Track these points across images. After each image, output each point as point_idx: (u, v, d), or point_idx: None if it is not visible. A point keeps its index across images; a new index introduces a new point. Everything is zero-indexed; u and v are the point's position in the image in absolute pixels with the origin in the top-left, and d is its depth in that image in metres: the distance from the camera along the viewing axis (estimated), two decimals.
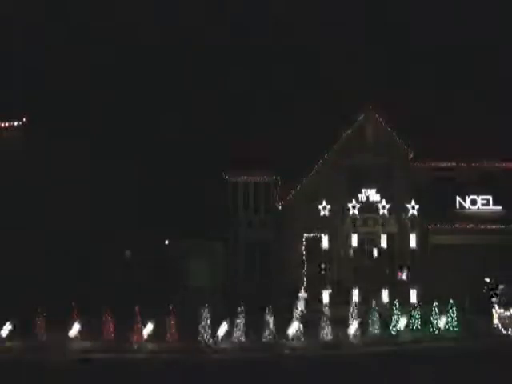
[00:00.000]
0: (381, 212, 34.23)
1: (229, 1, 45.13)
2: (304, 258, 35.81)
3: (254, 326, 24.32)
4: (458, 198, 36.09)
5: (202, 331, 23.36)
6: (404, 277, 34.37)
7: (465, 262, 33.74)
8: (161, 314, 24.04)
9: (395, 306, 26.52)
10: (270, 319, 24.27)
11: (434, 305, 26.50)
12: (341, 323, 25.90)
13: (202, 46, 43.65)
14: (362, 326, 25.67)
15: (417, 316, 26.71)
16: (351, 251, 34.45)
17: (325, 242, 34.00)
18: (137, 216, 31.01)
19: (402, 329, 25.85)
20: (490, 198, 36.01)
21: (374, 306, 26.34)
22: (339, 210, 34.54)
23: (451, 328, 26.06)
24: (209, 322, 23.39)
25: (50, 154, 33.75)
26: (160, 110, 31.98)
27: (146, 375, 19.30)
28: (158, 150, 34.96)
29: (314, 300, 33.05)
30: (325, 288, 33.39)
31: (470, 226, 35.25)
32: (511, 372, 19.18)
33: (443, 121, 38.35)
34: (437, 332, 25.77)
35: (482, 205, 36.00)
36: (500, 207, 35.95)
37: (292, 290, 33.65)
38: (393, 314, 26.16)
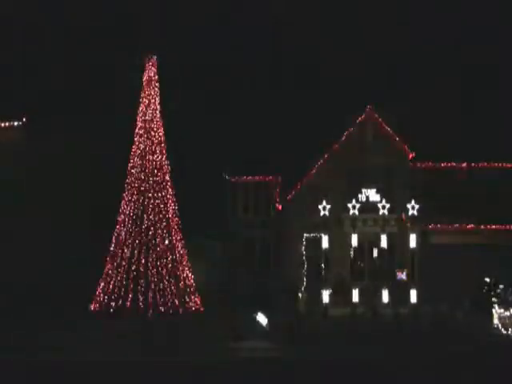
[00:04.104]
0: (381, 212, 34.21)
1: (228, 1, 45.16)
2: (304, 258, 35.80)
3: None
4: (458, 199, 36.05)
5: None
6: (404, 277, 34.36)
7: (465, 262, 33.71)
8: None
9: None
10: None
11: None
12: None
13: (202, 46, 43.68)
14: None
15: None
16: (351, 251, 34.44)
17: (325, 242, 33.98)
18: (137, 215, 30.99)
19: None
20: (490, 198, 35.97)
21: None
22: (339, 210, 34.52)
23: None
24: None
25: (50, 153, 33.77)
26: (159, 109, 31.97)
27: None
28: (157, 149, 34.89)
29: (313, 300, 33.09)
30: (325, 288, 33.38)
31: (470, 226, 35.25)
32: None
33: (443, 121, 38.35)
34: None
35: (482, 205, 35.95)
36: (500, 207, 35.92)
37: (292, 290, 33.70)
38: None
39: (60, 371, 18.92)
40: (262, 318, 24.28)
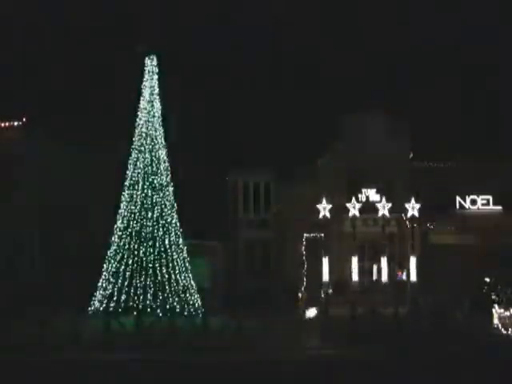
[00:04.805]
0: (381, 212, 34.18)
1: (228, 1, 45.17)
2: (304, 258, 35.79)
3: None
4: (458, 198, 36.07)
5: None
6: (404, 277, 34.35)
7: (465, 262, 33.71)
8: None
9: None
10: None
11: None
12: None
13: (202, 45, 43.71)
14: None
15: None
16: (351, 251, 34.39)
17: (325, 242, 33.96)
18: (137, 215, 30.98)
19: None
20: (490, 198, 36.00)
21: None
22: (339, 210, 34.48)
23: None
24: None
25: (50, 153, 33.76)
26: (160, 109, 31.95)
27: None
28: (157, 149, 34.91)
29: (313, 300, 33.10)
30: (325, 288, 33.35)
31: (470, 226, 35.22)
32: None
33: (443, 120, 38.39)
34: None
35: (482, 205, 35.98)
36: (500, 207, 35.94)
37: (292, 290, 33.69)
38: None
39: (60, 371, 18.92)
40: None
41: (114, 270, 30.40)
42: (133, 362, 20.07)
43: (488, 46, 43.50)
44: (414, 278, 33.55)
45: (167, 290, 30.08)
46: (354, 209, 34.13)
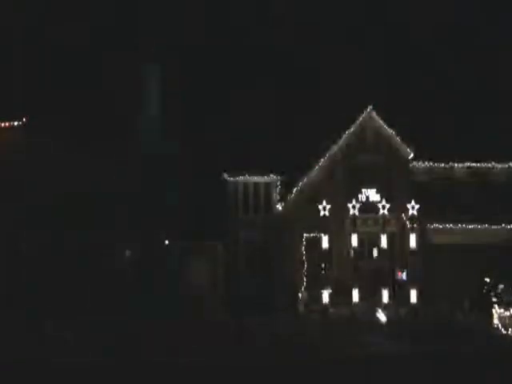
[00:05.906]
0: (381, 212, 34.21)
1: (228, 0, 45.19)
2: (304, 258, 35.80)
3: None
4: (458, 198, 36.06)
5: None
6: (404, 277, 34.36)
7: (465, 262, 33.72)
8: None
9: None
10: None
11: None
12: None
13: (202, 45, 43.70)
14: None
15: None
16: (351, 251, 34.42)
17: (325, 242, 33.96)
18: (137, 215, 31.02)
19: None
20: (490, 198, 35.98)
21: None
22: (339, 210, 34.51)
23: None
24: None
25: (50, 153, 33.75)
26: (159, 109, 31.99)
27: None
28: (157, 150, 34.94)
29: (313, 300, 33.12)
30: (325, 288, 33.37)
31: (470, 226, 35.23)
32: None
33: (443, 121, 38.38)
34: None
35: (482, 205, 35.95)
36: (500, 207, 35.92)
37: (292, 290, 33.69)
38: None
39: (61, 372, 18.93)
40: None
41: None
42: (133, 363, 20.09)
43: (488, 46, 43.52)
44: (413, 278, 33.55)
45: (167, 291, 30.13)
46: (353, 209, 34.17)
